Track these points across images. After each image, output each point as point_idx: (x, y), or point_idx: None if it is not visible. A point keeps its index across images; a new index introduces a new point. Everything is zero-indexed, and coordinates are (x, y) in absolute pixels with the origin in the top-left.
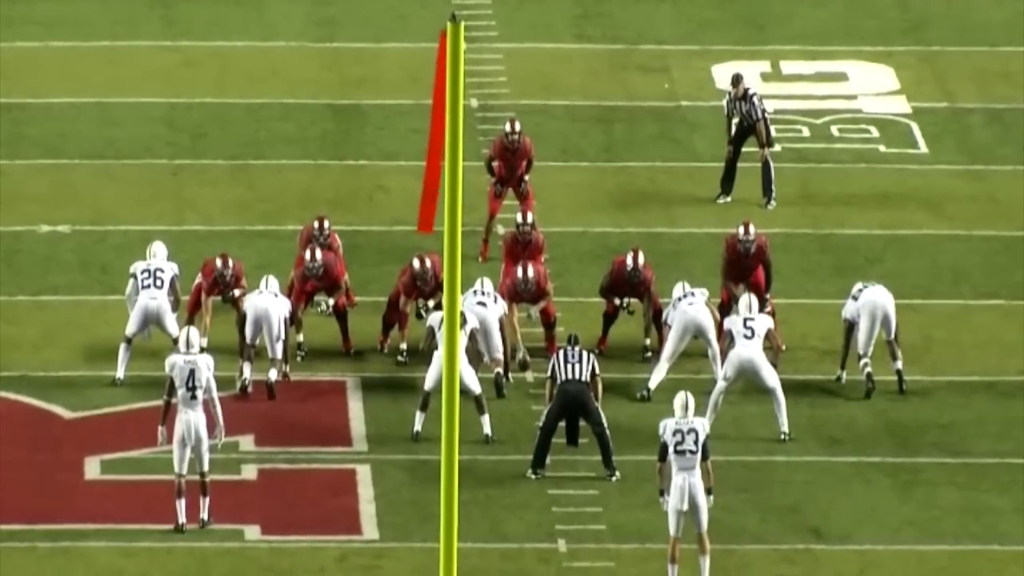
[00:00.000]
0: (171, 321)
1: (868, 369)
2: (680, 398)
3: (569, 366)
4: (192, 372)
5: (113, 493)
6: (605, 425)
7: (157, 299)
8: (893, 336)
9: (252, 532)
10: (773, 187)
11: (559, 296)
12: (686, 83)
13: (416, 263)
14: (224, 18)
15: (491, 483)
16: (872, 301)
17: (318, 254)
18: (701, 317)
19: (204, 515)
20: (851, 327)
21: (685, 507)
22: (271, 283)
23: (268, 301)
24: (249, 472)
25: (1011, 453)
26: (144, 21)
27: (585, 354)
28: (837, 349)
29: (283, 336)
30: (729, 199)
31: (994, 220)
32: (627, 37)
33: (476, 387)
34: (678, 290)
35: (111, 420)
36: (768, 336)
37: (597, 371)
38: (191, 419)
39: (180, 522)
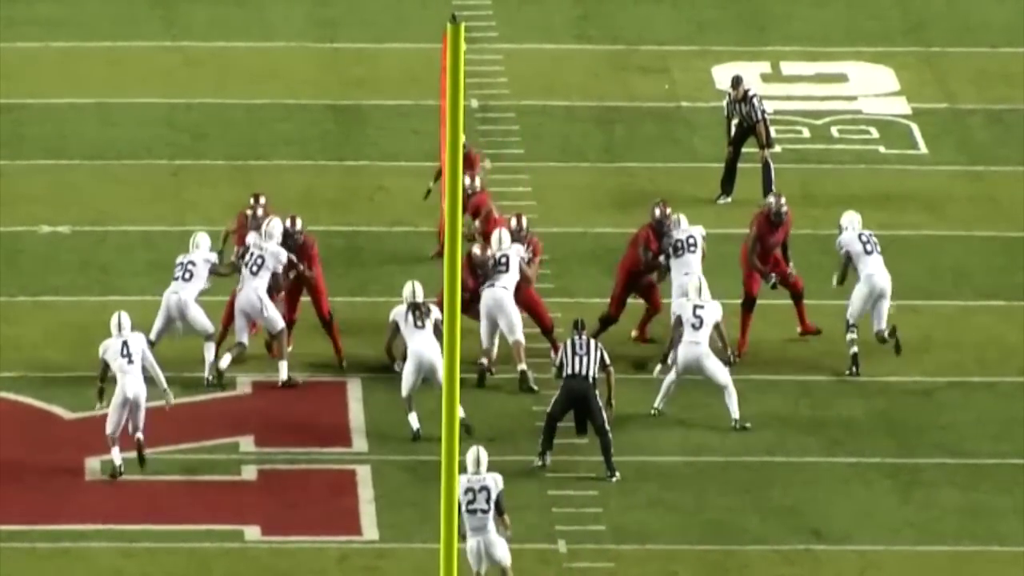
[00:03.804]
0: (196, 312)
1: (854, 349)
2: (472, 453)
3: (576, 359)
4: (125, 343)
5: (113, 494)
6: (608, 426)
7: (179, 292)
8: (883, 327)
9: (252, 533)
10: (773, 187)
11: (560, 296)
12: (686, 84)
13: (476, 251)
14: (224, 19)
15: None
16: (873, 280)
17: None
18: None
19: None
20: (849, 257)
21: (483, 570)
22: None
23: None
24: (249, 473)
25: (1011, 454)
26: (144, 22)
27: (593, 344)
28: (839, 349)
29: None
30: (729, 199)
31: (994, 221)
32: (627, 38)
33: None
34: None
35: None
36: (716, 327)
37: (607, 361)
38: (130, 386)
39: (117, 464)
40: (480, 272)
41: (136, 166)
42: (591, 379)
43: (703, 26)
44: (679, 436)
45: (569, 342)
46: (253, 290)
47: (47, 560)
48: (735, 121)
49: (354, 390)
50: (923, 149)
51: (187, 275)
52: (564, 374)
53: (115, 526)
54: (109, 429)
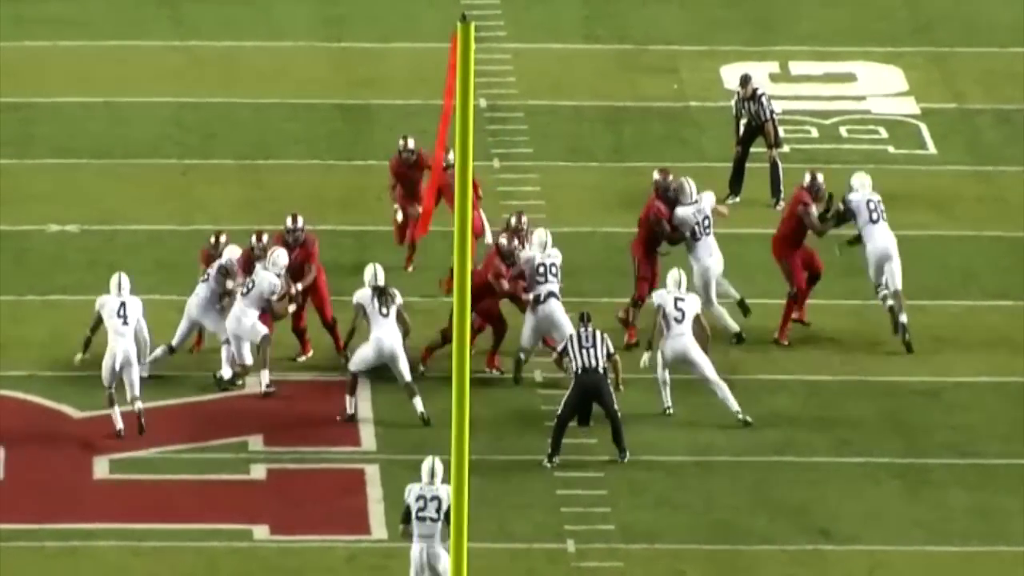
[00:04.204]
0: (211, 320)
1: (890, 302)
2: (427, 463)
3: (584, 351)
4: (123, 304)
5: (121, 493)
6: (617, 409)
7: (199, 295)
8: (899, 286)
9: (261, 532)
10: (782, 187)
11: (568, 296)
12: (695, 84)
13: (503, 240)
14: (232, 18)
15: (500, 483)
16: (879, 249)
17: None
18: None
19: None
20: (850, 213)
21: None
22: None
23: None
24: (258, 472)
25: (1020, 454)
26: (152, 21)
27: (598, 335)
28: (848, 349)
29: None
30: (738, 200)
31: (1002, 221)
32: (636, 38)
33: (407, 375)
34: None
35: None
36: (696, 319)
37: (612, 351)
38: (120, 346)
39: (118, 428)
40: (508, 262)
41: (144, 165)
42: (601, 370)
43: (712, 26)
44: (687, 436)
45: (574, 335)
46: (240, 310)
47: (55, 559)
48: (743, 120)
49: (363, 389)
50: (932, 149)
51: (205, 276)
52: (574, 369)
53: (123, 525)
54: (105, 382)
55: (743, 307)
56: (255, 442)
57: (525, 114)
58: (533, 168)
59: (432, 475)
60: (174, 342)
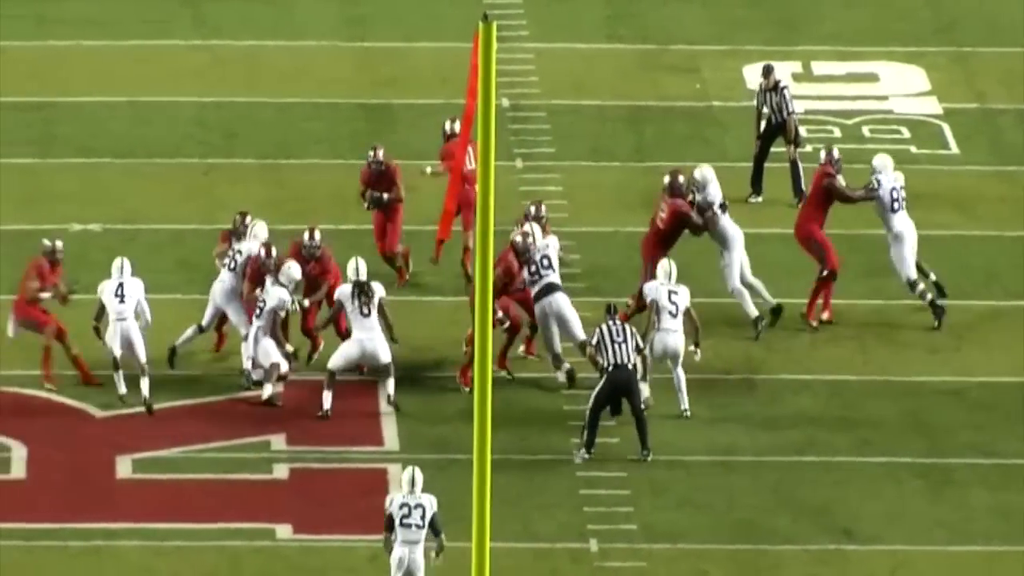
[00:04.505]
0: (234, 311)
1: (929, 297)
2: (407, 473)
3: (615, 346)
4: (121, 284)
5: (144, 492)
6: (644, 406)
7: (224, 282)
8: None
9: (284, 531)
10: (803, 186)
11: (589, 296)
12: (717, 83)
13: (519, 238)
14: (255, 17)
15: (522, 482)
16: (903, 237)
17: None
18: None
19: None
20: (873, 197)
21: None
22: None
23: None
24: (281, 471)
25: None
26: (175, 20)
27: (627, 329)
28: (869, 349)
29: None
30: (760, 199)
31: None
32: (658, 37)
33: (387, 357)
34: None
35: (143, 419)
36: (687, 312)
37: (641, 346)
38: (119, 328)
39: (122, 392)
40: (523, 258)
41: (167, 165)
42: (632, 365)
43: (734, 26)
44: (709, 436)
45: (605, 329)
46: (256, 334)
47: (79, 559)
48: (765, 111)
49: (385, 389)
50: (954, 149)
51: (231, 264)
52: (606, 364)
53: (146, 524)
54: (115, 353)
55: (776, 313)
56: (278, 441)
57: (547, 114)
58: (555, 168)
59: (412, 484)
60: (204, 322)
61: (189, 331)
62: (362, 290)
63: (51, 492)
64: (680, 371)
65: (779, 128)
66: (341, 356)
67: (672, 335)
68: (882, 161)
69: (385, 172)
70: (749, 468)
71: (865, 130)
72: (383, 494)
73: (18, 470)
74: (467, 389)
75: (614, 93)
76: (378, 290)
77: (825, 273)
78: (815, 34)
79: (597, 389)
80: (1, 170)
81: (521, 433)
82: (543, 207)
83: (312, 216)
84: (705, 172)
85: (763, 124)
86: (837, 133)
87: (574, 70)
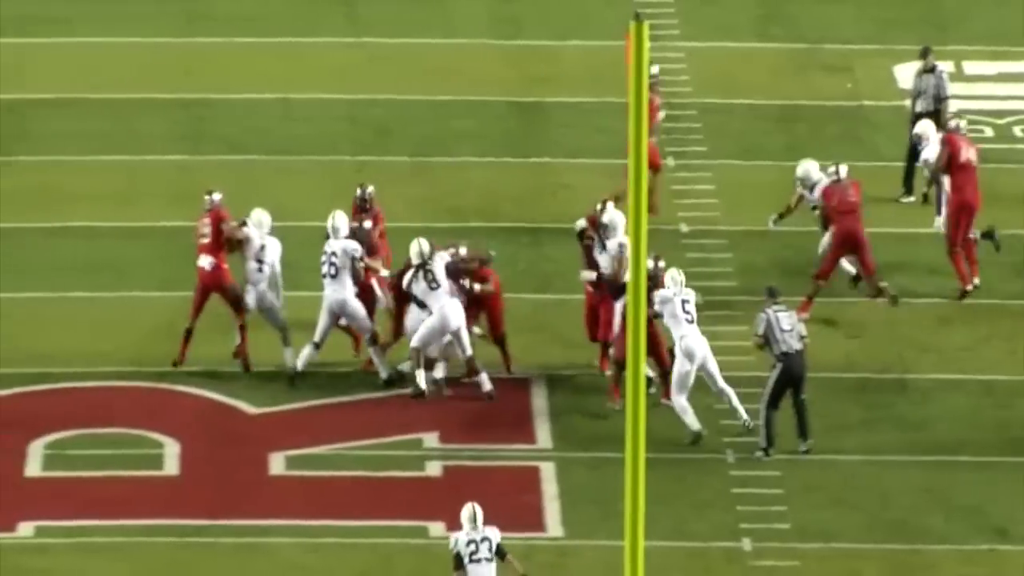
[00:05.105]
0: (358, 312)
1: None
2: (467, 511)
3: (785, 335)
4: (263, 247)
5: (297, 489)
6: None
7: (337, 291)
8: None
9: (437, 529)
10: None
11: (741, 295)
12: (868, 83)
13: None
14: (407, 15)
15: (674, 482)
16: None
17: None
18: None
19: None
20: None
21: None
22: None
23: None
24: (434, 469)
25: None
26: (327, 18)
27: (792, 315)
28: (1020, 349)
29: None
30: (912, 199)
31: None
32: (810, 37)
33: (469, 350)
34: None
35: (295, 416)
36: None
37: (804, 334)
38: (256, 291)
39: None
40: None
41: (319, 162)
42: (802, 352)
43: (886, 25)
44: (860, 435)
45: (773, 316)
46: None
47: (230, 555)
48: (921, 97)
49: (538, 387)
50: None
51: (332, 269)
52: (779, 351)
53: (299, 522)
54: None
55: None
56: (430, 439)
57: (699, 112)
58: (707, 167)
59: (474, 520)
60: (370, 329)
61: (306, 351)
62: (423, 267)
63: (204, 489)
64: (725, 386)
65: (934, 117)
66: (423, 334)
67: (696, 338)
68: (924, 127)
69: (368, 209)
70: (901, 468)
71: (1016, 130)
72: (536, 492)
73: (171, 467)
74: (617, 407)
75: (765, 92)
76: (438, 256)
77: (981, 232)
78: (966, 34)
79: (772, 382)
80: (153, 167)
81: (674, 432)
82: (661, 261)
83: (465, 214)
84: (808, 167)
85: (918, 107)
86: (989, 133)
87: (725, 69)
